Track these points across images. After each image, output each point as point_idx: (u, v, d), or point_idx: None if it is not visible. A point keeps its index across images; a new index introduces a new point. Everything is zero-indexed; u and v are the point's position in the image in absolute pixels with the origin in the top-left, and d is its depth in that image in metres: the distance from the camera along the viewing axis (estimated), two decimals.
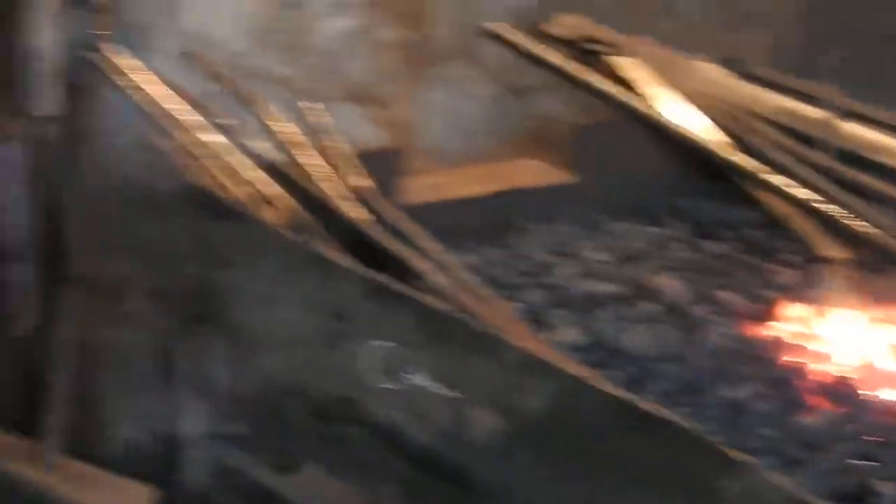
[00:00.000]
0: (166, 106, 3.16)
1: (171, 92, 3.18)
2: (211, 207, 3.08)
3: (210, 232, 3.07)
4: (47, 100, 3.13)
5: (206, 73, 3.37)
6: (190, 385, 3.15)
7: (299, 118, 3.40)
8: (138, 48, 3.15)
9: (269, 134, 3.33)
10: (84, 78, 3.09)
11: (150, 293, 3.18)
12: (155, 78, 3.16)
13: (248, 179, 3.16)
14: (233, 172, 3.15)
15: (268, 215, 3.12)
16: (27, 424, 3.24)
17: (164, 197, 3.13)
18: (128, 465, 3.23)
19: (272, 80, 3.59)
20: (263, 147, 3.28)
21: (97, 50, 3.07)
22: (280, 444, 3.08)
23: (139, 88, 3.13)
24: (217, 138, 3.19)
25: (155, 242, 3.17)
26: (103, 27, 3.03)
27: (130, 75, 3.13)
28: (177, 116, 3.15)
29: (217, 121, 3.22)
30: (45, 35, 3.08)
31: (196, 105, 3.21)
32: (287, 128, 3.33)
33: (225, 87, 3.38)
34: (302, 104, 3.40)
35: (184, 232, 3.08)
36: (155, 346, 3.19)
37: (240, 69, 3.54)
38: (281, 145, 3.32)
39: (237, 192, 3.13)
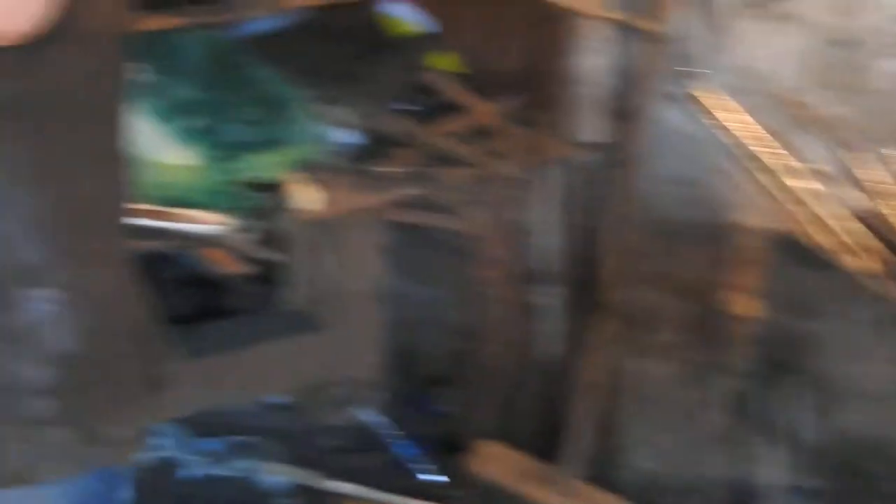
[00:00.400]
0: (737, 141, 3.11)
1: (737, 126, 3.13)
2: (795, 253, 3.02)
3: (793, 278, 3.02)
4: (591, 126, 3.16)
5: (774, 109, 3.30)
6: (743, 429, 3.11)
7: (883, 165, 3.28)
8: (686, 79, 3.14)
9: (854, 180, 3.21)
10: (631, 106, 3.10)
11: (681, 326, 3.16)
12: (725, 112, 3.12)
13: (833, 227, 3.06)
14: (816, 218, 3.06)
15: (854, 265, 3.02)
16: (547, 448, 3.29)
17: (705, 232, 3.10)
18: (643, 497, 3.23)
19: (825, 120, 3.47)
20: (848, 193, 3.18)
21: (649, 78, 3.08)
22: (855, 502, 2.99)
23: (707, 120, 3.11)
24: (798, 181, 3.11)
25: (689, 276, 3.16)
26: (654, 56, 3.03)
27: (690, 107, 3.12)
28: (750, 153, 3.10)
29: (794, 162, 3.14)
30: (594, 61, 3.11)
31: (766, 142, 3.15)
32: (874, 174, 3.21)
33: (795, 125, 3.29)
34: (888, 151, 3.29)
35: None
36: (685, 380, 3.16)
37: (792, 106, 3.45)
38: (868, 192, 3.19)
39: (822, 239, 3.04)
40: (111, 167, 2.06)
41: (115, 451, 1.98)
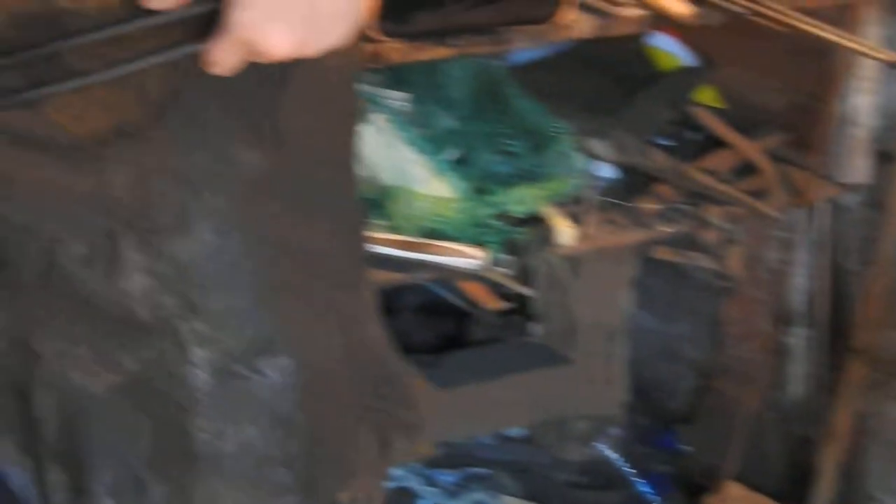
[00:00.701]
0: None
1: None
2: None
3: None
4: (854, 166, 3.10)
5: None
6: None
7: None
8: None
9: None
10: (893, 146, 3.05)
11: None
12: None
13: None
14: None
15: None
16: (792, 492, 3.25)
17: None
18: None
19: None
20: None
21: None
22: None
23: None
24: None
25: None
26: None
27: None
28: None
29: None
30: (860, 100, 3.06)
31: None
32: None
33: None
34: None
35: None
36: None
37: None
38: None
39: None
40: (348, 216, 2.02)
41: None
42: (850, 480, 3.19)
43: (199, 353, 1.83)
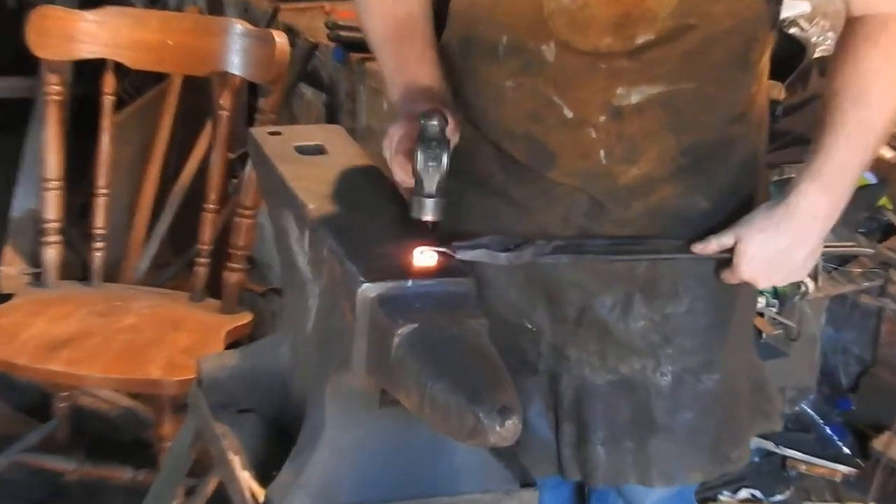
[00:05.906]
0: None
1: None
2: None
3: None
4: None
5: None
6: None
7: None
8: None
9: None
10: None
11: None
12: None
13: None
14: None
15: None
16: None
17: None
18: None
19: None
20: None
21: None
22: None
23: None
24: None
25: None
26: None
27: None
28: None
29: None
30: None
31: None
32: None
33: None
34: None
35: None
36: None
37: None
38: None
39: None
40: (751, 299, 2.76)
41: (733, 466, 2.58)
42: None
43: (667, 367, 2.46)
